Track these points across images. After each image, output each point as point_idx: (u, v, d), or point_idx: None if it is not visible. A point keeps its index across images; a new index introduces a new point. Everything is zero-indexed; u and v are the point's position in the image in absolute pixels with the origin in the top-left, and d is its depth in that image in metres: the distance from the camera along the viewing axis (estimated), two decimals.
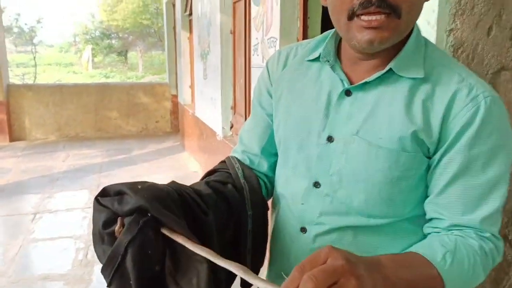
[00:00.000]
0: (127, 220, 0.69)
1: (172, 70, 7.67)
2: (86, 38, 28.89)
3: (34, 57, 11.47)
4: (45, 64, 27.11)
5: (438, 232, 0.79)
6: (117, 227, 0.69)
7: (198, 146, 5.44)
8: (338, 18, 0.77)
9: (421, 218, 0.83)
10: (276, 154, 0.98)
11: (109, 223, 0.71)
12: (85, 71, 26.16)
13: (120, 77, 22.22)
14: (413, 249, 0.75)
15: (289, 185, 0.91)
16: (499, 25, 1.32)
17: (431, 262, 0.70)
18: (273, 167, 0.99)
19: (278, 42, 2.57)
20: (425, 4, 1.25)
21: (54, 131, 7.33)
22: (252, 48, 3.10)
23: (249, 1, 3.35)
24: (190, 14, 5.66)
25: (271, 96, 0.96)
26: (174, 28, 7.27)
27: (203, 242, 0.70)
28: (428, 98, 0.76)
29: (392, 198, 0.80)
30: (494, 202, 0.76)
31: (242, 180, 0.92)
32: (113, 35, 28.03)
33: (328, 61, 0.85)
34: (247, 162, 1.00)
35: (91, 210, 3.63)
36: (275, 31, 2.61)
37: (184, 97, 6.42)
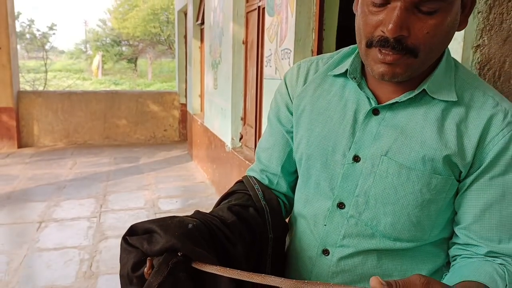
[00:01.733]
0: (156, 260, 0.66)
1: (182, 78, 7.67)
2: (96, 45, 29.20)
3: (45, 64, 11.55)
4: (55, 71, 27.38)
5: (471, 257, 0.78)
6: (146, 269, 0.66)
7: (206, 156, 5.39)
8: (359, 40, 0.76)
9: (445, 241, 0.84)
10: (295, 173, 0.95)
11: (138, 264, 0.68)
12: (94, 77, 26.36)
13: (129, 84, 22.35)
14: (474, 278, 0.71)
15: (311, 205, 0.88)
16: None
17: None
18: (292, 186, 0.97)
19: (292, 53, 2.52)
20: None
21: (62, 138, 7.32)
22: (265, 59, 3.05)
23: (262, 11, 3.32)
24: (202, 23, 5.65)
25: (291, 112, 0.92)
26: (185, 37, 7.28)
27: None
28: (462, 121, 0.75)
29: (420, 221, 0.78)
30: None
31: (263, 203, 0.89)
32: (123, 42, 28.30)
33: (355, 78, 0.82)
34: (265, 181, 0.97)
35: (97, 220, 3.56)
36: (289, 43, 2.57)
37: (193, 106, 6.39)
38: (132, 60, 28.82)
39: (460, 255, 0.80)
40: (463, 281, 0.70)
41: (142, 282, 0.66)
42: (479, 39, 1.21)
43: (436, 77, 0.76)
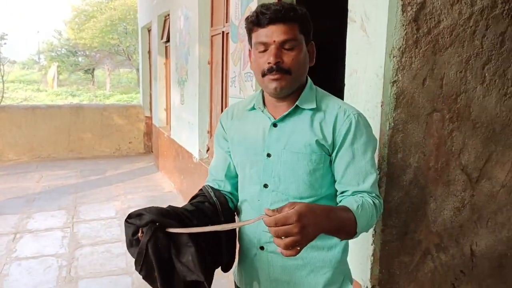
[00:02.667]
0: (144, 229, 1.12)
1: (146, 92, 7.90)
2: (51, 55, 28.50)
3: (2, 76, 11.33)
4: (8, 82, 26.50)
5: (345, 198, 1.23)
6: (139, 234, 1.13)
7: (174, 167, 5.67)
8: (257, 74, 1.24)
9: (333, 196, 1.30)
10: (235, 177, 1.42)
11: (134, 233, 1.15)
12: (50, 89, 25.73)
13: (88, 95, 22.01)
14: (342, 203, 1.18)
15: (248, 191, 1.34)
16: (432, 77, 1.70)
17: (351, 210, 1.12)
18: (234, 187, 1.43)
19: (254, 77, 2.90)
20: (374, 60, 1.63)
21: (26, 152, 7.36)
22: (230, 79, 3.43)
23: (226, 36, 3.70)
24: (167, 41, 5.96)
25: (226, 140, 1.41)
26: (149, 52, 7.54)
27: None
28: (322, 119, 1.25)
29: (312, 183, 1.25)
30: (373, 174, 1.23)
31: (214, 199, 1.35)
32: (79, 53, 27.79)
33: (259, 108, 1.31)
34: (216, 186, 1.44)
35: (70, 230, 3.82)
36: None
37: (160, 120, 6.65)
38: (89, 71, 28.34)
39: (341, 200, 1.24)
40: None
41: (138, 243, 1.13)
42: (395, 76, 1.64)
43: (303, 96, 1.26)
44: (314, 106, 1.25)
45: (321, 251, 1.29)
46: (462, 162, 1.83)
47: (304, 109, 1.25)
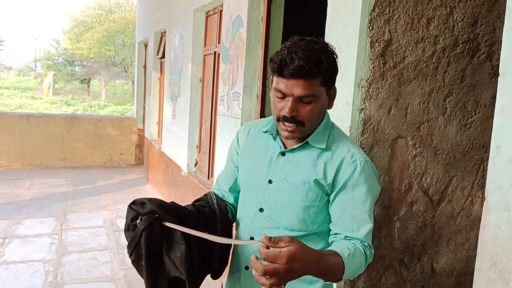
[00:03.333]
0: (144, 218, 1.17)
1: (140, 105, 8.06)
2: (48, 63, 28.63)
3: None
4: (3, 88, 26.56)
5: (337, 240, 1.23)
6: (138, 220, 1.18)
7: (163, 180, 5.80)
8: (273, 115, 1.27)
9: (324, 233, 1.30)
10: (238, 191, 1.46)
11: (134, 219, 1.19)
12: (45, 97, 25.80)
13: (83, 105, 22.12)
14: (333, 248, 1.17)
15: (245, 210, 1.38)
16: (397, 106, 1.87)
17: (342, 257, 1.11)
18: (236, 200, 1.47)
19: (241, 97, 3.08)
20: (345, 89, 1.80)
21: (18, 159, 7.44)
22: (219, 98, 3.60)
23: (218, 56, 3.88)
24: (162, 57, 6.15)
25: (238, 154, 1.45)
26: (145, 66, 7.72)
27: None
28: (328, 160, 1.26)
29: (304, 219, 1.27)
30: (368, 224, 1.23)
31: (216, 206, 1.40)
32: (76, 63, 27.94)
33: (272, 134, 1.35)
34: (220, 195, 1.48)
35: (58, 237, 3.94)
36: (239, 88, 3.13)
37: (151, 133, 6.80)
38: (85, 81, 28.48)
39: (333, 241, 1.25)
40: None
41: (134, 228, 1.18)
42: (362, 105, 1.81)
43: (316, 134, 1.28)
44: (323, 146, 1.26)
45: (302, 283, 1.30)
46: (424, 185, 2.00)
47: (313, 146, 1.27)
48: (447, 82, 1.95)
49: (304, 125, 1.22)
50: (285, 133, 1.23)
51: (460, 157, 2.04)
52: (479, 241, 1.11)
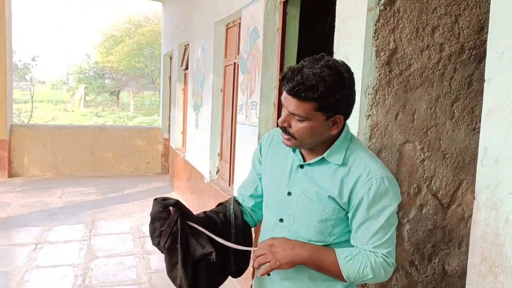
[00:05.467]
0: (173, 209, 1.34)
1: (166, 116, 8.30)
2: (79, 77, 29.58)
3: (32, 96, 12.02)
4: (37, 101, 27.59)
5: None
6: (171, 208, 1.34)
7: (187, 187, 5.96)
8: None
9: (341, 244, 1.31)
10: (258, 197, 1.52)
11: (159, 212, 1.34)
12: (77, 109, 26.69)
13: (112, 116, 22.76)
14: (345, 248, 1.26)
15: (267, 219, 1.45)
16: (404, 112, 1.93)
17: (337, 255, 1.22)
18: (256, 205, 1.53)
19: (258, 106, 3.18)
20: None
21: (50, 169, 7.77)
22: (238, 107, 3.72)
23: (237, 67, 4.01)
24: (186, 68, 6.34)
25: (260, 163, 1.50)
26: (170, 78, 7.96)
27: None
28: (344, 176, 1.26)
29: (322, 231, 1.30)
30: (383, 237, 1.24)
31: (231, 211, 1.48)
32: (106, 75, 28.76)
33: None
34: (240, 200, 1.56)
35: (87, 243, 4.12)
36: (256, 97, 3.24)
37: (176, 142, 6.99)
38: (115, 93, 29.25)
39: None
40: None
41: (165, 217, 1.32)
42: (369, 111, 1.88)
43: (332, 149, 1.28)
44: (340, 162, 1.26)
45: (322, 283, 1.34)
46: (434, 188, 2.04)
47: (329, 162, 1.28)
48: (454, 87, 2.00)
49: (296, 139, 1.25)
50: (284, 141, 1.29)
51: (470, 160, 2.08)
52: (470, 238, 1.17)
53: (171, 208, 1.33)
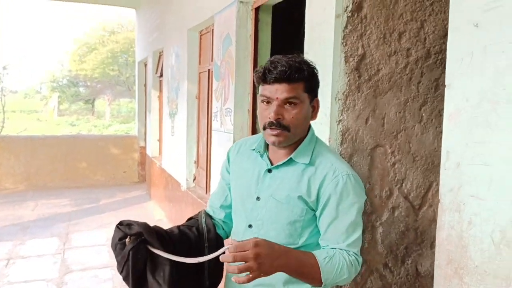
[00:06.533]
0: (132, 238, 1.27)
1: (142, 123, 8.20)
2: (53, 85, 29.01)
3: (3, 106, 11.72)
4: (9, 111, 26.89)
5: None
6: (127, 239, 1.27)
7: (164, 196, 5.89)
8: (260, 123, 1.33)
9: (312, 246, 1.34)
10: (229, 207, 1.53)
11: (121, 239, 1.29)
12: (50, 118, 26.14)
13: (87, 125, 22.37)
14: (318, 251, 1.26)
15: (236, 227, 1.46)
16: (374, 116, 1.96)
17: (317, 257, 1.21)
18: (227, 216, 1.54)
19: (232, 112, 3.18)
20: (323, 102, 1.90)
21: (23, 181, 7.58)
22: (213, 114, 3.71)
23: (212, 74, 4.00)
24: (161, 75, 6.29)
25: (229, 172, 1.52)
26: (145, 85, 7.88)
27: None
28: (311, 175, 1.31)
29: (291, 233, 1.33)
30: (353, 234, 1.29)
31: (203, 225, 1.48)
32: (80, 83, 28.30)
33: (259, 152, 1.40)
34: (211, 213, 1.56)
35: (61, 256, 4.02)
36: (230, 103, 3.23)
37: (152, 150, 6.91)
38: (90, 101, 28.82)
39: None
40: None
41: (121, 247, 1.27)
42: (340, 116, 1.90)
43: (299, 150, 1.32)
44: (307, 161, 1.31)
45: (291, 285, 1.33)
46: (405, 191, 2.07)
47: (297, 162, 1.31)
48: (422, 91, 2.04)
49: (289, 130, 1.26)
50: (271, 138, 1.28)
51: (438, 163, 2.11)
52: (436, 241, 1.19)
53: (126, 240, 1.27)
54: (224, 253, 1.13)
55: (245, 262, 1.06)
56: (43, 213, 6.06)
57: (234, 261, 1.05)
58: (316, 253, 1.24)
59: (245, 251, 1.05)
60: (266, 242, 1.10)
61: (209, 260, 1.40)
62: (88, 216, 5.93)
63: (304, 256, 1.21)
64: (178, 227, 1.44)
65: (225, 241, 1.10)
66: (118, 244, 1.29)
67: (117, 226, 1.32)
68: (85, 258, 4.39)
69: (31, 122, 22.63)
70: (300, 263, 1.18)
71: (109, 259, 4.36)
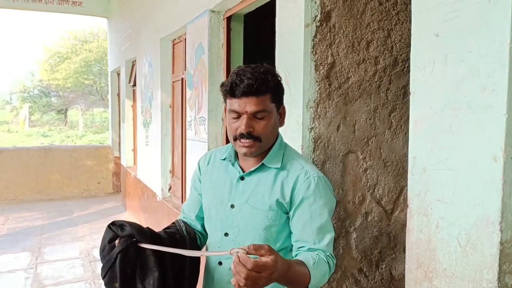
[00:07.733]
0: (122, 239, 1.23)
1: (116, 133, 8.08)
2: (23, 96, 28.33)
3: None
4: None
5: (303, 252, 1.28)
6: (117, 241, 1.24)
7: (139, 206, 5.81)
8: (229, 138, 1.35)
9: (287, 249, 1.37)
10: (203, 218, 1.50)
11: (111, 240, 1.25)
12: (21, 129, 25.49)
13: (60, 136, 21.89)
14: (299, 258, 1.23)
15: (211, 236, 1.45)
16: (345, 123, 1.99)
17: (307, 266, 1.18)
18: (203, 227, 1.52)
19: (206, 121, 3.17)
20: (295, 110, 1.91)
21: None
22: (187, 123, 3.69)
23: (185, 83, 3.99)
24: (134, 85, 6.23)
25: (200, 182, 1.51)
26: (118, 94, 7.78)
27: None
28: (284, 179, 1.33)
29: (267, 238, 1.33)
30: (328, 235, 1.30)
31: (185, 233, 1.46)
32: (52, 93, 27.72)
33: (230, 161, 1.42)
34: (188, 223, 1.53)
35: (33, 271, 3.91)
36: (204, 112, 3.23)
37: (127, 160, 6.81)
38: (62, 111, 28.24)
39: (297, 253, 1.29)
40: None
41: (110, 250, 1.23)
42: (312, 124, 1.93)
43: (270, 155, 1.35)
44: (278, 166, 1.34)
45: None
46: (377, 196, 2.11)
47: (269, 167, 1.34)
48: (390, 98, 2.09)
49: (261, 140, 1.29)
50: (243, 150, 1.29)
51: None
52: (406, 244, 1.21)
53: (116, 241, 1.25)
54: (224, 252, 1.11)
55: (254, 282, 0.99)
56: (14, 227, 5.88)
57: (246, 279, 0.98)
58: (303, 259, 1.22)
59: (261, 273, 0.99)
60: (280, 263, 1.03)
61: (190, 263, 1.40)
62: (61, 229, 5.78)
63: (300, 267, 1.17)
64: (165, 231, 1.41)
65: (231, 250, 1.04)
66: (107, 246, 1.25)
67: (108, 226, 1.28)
68: (59, 272, 4.28)
69: (1, 134, 22.00)
70: (296, 277, 1.15)
71: (83, 273, 4.26)
